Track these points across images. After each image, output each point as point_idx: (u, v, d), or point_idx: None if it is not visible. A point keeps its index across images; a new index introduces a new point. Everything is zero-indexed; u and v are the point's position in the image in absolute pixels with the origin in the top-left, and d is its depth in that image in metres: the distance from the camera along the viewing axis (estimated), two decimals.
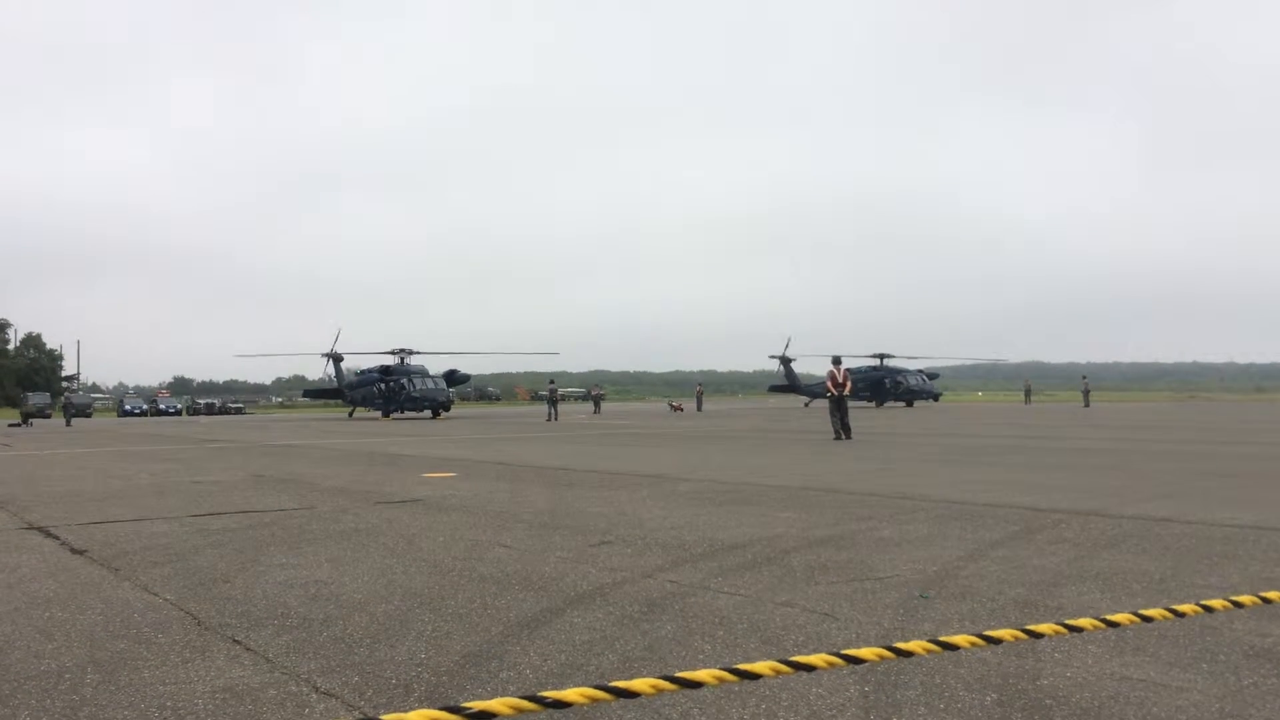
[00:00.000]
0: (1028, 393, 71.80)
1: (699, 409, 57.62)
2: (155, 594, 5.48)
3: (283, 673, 3.89)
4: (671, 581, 5.56)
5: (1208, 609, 2.45)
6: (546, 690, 1.72)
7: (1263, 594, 2.64)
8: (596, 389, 66.95)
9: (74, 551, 7.09)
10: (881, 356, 64.21)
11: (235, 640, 4.41)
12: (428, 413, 50.02)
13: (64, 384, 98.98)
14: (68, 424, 46.77)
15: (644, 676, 1.95)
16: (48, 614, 5.02)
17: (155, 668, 3.98)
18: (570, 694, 1.51)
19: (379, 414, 52.39)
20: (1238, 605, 2.53)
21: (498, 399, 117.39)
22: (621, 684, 1.57)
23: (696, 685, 1.60)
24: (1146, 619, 2.22)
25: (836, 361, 22.22)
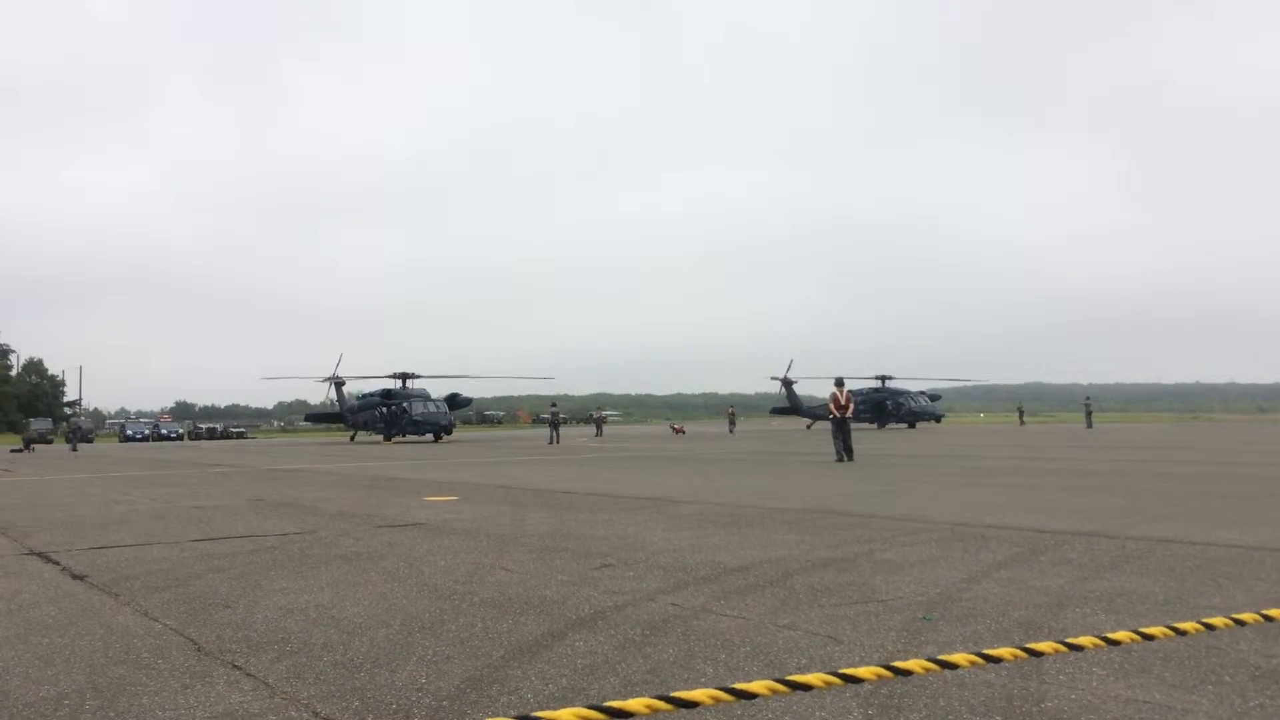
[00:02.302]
0: (1021, 414, 70.67)
1: (731, 431, 57.66)
2: (155, 619, 5.46)
3: (283, 698, 3.87)
4: (673, 604, 5.54)
5: (1209, 627, 2.43)
6: (541, 712, 1.71)
7: (1265, 612, 2.63)
8: (598, 411, 66.65)
9: (74, 577, 7.07)
10: (883, 378, 64.17)
11: (235, 665, 4.39)
12: (429, 436, 49.97)
13: (65, 409, 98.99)
14: (73, 449, 46.48)
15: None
16: (47, 640, 5.00)
17: (155, 693, 3.96)
18: (563, 714, 1.50)
19: (380, 438, 52.34)
20: (1240, 623, 2.52)
21: (499, 422, 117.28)
22: (615, 704, 1.56)
23: (692, 705, 1.60)
24: (1148, 637, 2.22)
25: (839, 383, 22.19)
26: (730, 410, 64.85)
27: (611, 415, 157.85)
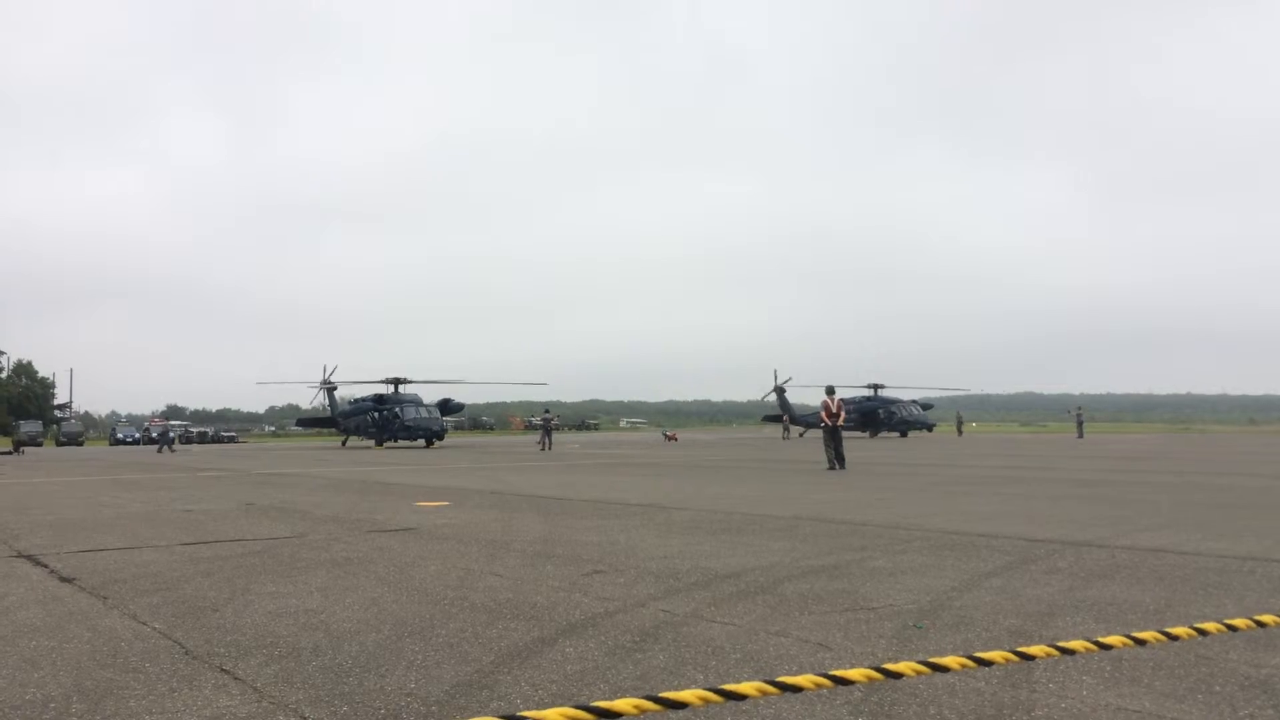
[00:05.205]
0: (959, 424, 69.50)
1: (786, 437, 57.69)
2: (143, 623, 5.43)
3: (271, 702, 3.85)
4: (664, 611, 5.53)
5: (1202, 632, 2.44)
6: (527, 711, 1.70)
7: (1257, 617, 2.64)
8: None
9: (62, 580, 7.04)
10: (875, 387, 64.29)
11: (224, 670, 4.36)
12: (421, 442, 49.86)
13: (56, 412, 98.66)
14: (159, 451, 46.27)
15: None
16: (34, 642, 4.97)
17: (142, 697, 3.94)
18: (550, 714, 1.49)
19: (372, 443, 52.23)
20: (1232, 629, 2.52)
21: (492, 428, 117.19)
22: (603, 704, 1.56)
23: (680, 706, 1.59)
24: (1140, 642, 2.22)
25: (830, 391, 22.22)
26: (784, 418, 64.35)
27: (637, 422, 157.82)
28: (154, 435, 53.05)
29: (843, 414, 22.14)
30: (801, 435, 60.28)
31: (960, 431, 67.59)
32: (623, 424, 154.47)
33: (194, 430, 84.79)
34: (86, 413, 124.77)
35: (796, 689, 1.70)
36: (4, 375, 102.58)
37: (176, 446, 48.58)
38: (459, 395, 56.45)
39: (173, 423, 61.76)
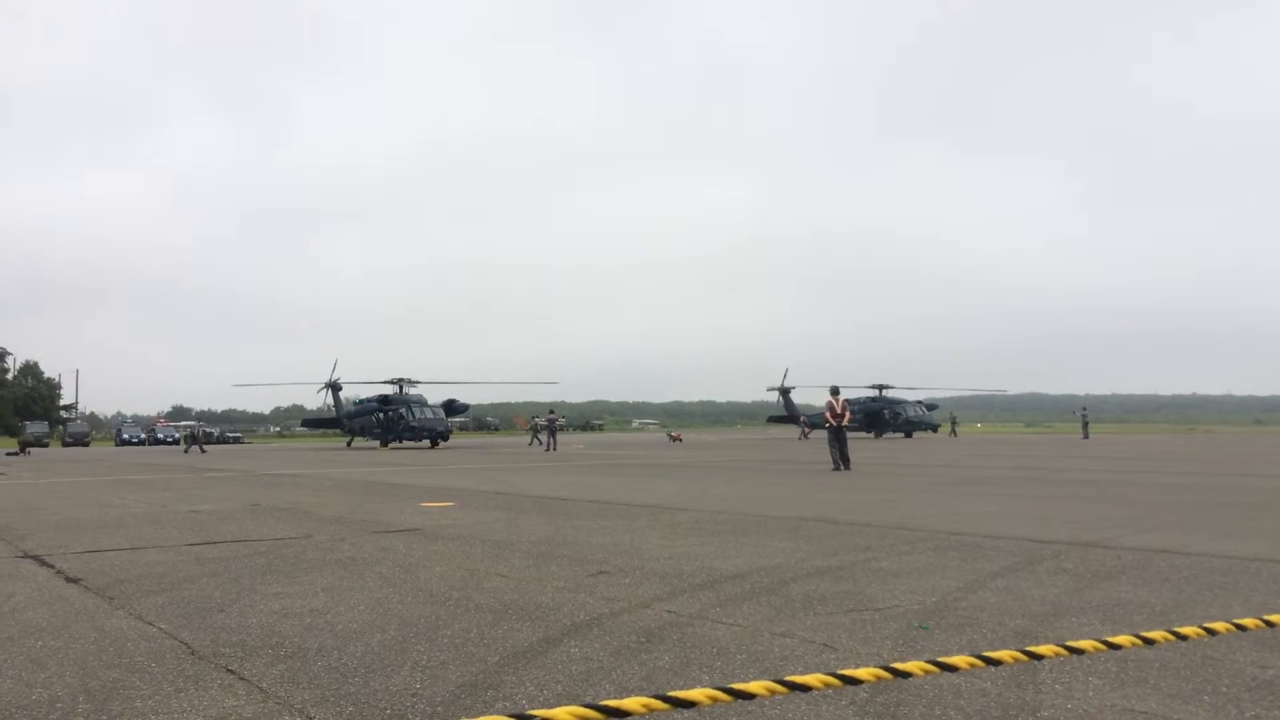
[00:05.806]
0: (953, 424, 68.66)
1: (804, 437, 57.94)
2: (149, 623, 5.44)
3: (276, 703, 3.86)
4: (669, 611, 5.53)
5: (1211, 632, 2.44)
6: (537, 710, 1.70)
7: (1266, 617, 2.63)
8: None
9: (68, 580, 7.05)
10: (880, 387, 64.19)
11: (229, 670, 4.37)
12: (426, 442, 49.91)
13: (62, 412, 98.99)
14: (202, 450, 46.79)
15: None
16: (40, 642, 4.98)
17: (148, 698, 3.95)
18: (559, 713, 1.50)
19: (377, 444, 52.28)
20: (1241, 629, 2.52)
21: (496, 429, 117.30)
22: (612, 703, 1.56)
23: (689, 705, 1.59)
24: (1149, 642, 2.22)
25: (835, 392, 22.19)
26: (802, 419, 64.10)
27: (648, 423, 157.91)
28: (181, 436, 53.87)
29: (847, 414, 22.10)
30: (806, 436, 60.22)
31: (954, 432, 67.30)
32: (634, 424, 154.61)
33: (200, 430, 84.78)
34: (92, 413, 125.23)
35: (805, 688, 1.70)
36: (10, 376, 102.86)
37: (202, 447, 48.75)
38: (463, 396, 56.55)
39: (200, 423, 62.32)
